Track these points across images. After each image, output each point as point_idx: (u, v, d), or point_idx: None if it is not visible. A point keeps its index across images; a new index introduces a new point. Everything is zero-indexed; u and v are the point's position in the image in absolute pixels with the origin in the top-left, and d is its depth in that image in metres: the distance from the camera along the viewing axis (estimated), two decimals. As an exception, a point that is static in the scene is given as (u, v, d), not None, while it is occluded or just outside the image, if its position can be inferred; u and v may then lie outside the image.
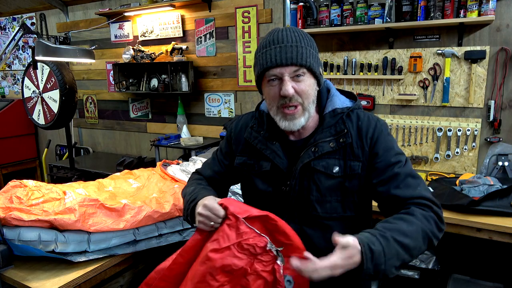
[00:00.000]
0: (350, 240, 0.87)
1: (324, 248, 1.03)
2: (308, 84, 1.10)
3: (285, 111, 1.11)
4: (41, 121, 3.04)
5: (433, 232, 1.00)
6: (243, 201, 1.32)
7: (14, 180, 1.62)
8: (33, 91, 3.04)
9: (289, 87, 1.07)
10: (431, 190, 2.15)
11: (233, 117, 3.23)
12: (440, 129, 2.45)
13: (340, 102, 1.19)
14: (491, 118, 2.28)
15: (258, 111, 1.27)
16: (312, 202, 1.13)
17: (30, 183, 1.62)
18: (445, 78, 2.38)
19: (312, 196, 1.13)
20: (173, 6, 3.25)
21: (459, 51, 2.32)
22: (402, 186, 1.08)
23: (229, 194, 1.92)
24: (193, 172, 1.44)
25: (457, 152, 2.42)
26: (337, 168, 1.12)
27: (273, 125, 1.19)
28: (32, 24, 4.34)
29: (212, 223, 1.07)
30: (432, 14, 2.24)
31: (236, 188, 1.96)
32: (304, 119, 1.12)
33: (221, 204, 1.07)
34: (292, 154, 1.17)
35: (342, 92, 1.26)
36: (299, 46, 1.08)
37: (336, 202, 1.14)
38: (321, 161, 1.12)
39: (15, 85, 4.74)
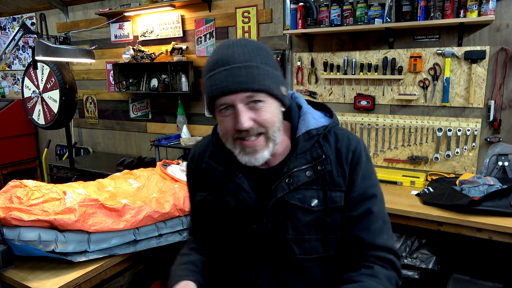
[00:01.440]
0: None
1: None
2: (270, 111, 0.90)
3: (244, 143, 0.92)
4: (41, 121, 3.04)
5: None
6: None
7: (14, 180, 1.62)
8: (33, 91, 3.04)
9: (244, 118, 0.87)
10: (431, 190, 2.15)
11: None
12: (440, 129, 2.45)
13: (314, 120, 1.01)
14: (491, 118, 2.28)
15: (216, 135, 1.06)
16: (289, 242, 0.96)
17: (30, 183, 1.62)
18: (445, 78, 2.38)
19: (288, 235, 0.96)
20: (173, 6, 3.25)
21: (459, 51, 2.32)
22: (372, 229, 0.97)
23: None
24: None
25: (457, 152, 2.42)
26: (315, 201, 0.96)
27: (232, 153, 0.98)
28: (32, 24, 4.34)
29: None
30: (432, 14, 2.24)
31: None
32: (268, 152, 0.93)
33: None
34: (261, 185, 0.99)
35: (315, 105, 1.08)
36: (250, 66, 0.87)
37: (316, 240, 0.97)
38: (296, 194, 0.95)
39: (15, 85, 4.74)
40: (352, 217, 0.98)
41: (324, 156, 0.97)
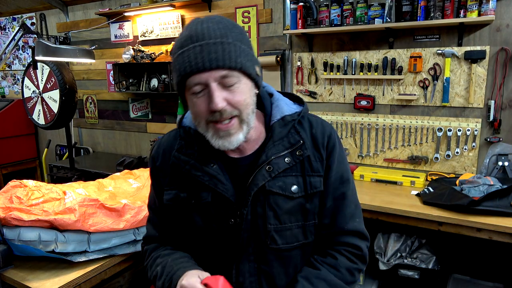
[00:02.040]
0: None
1: (285, 285, 0.97)
2: (244, 91, 0.86)
3: (217, 126, 0.87)
4: (41, 121, 3.04)
5: (353, 282, 0.98)
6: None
7: (14, 180, 1.62)
8: (33, 91, 3.04)
9: (218, 99, 0.83)
10: (431, 190, 2.15)
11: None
12: (440, 129, 2.45)
13: (287, 107, 0.99)
14: (491, 118, 2.28)
15: (183, 128, 1.00)
16: (270, 233, 0.93)
17: (30, 183, 1.62)
18: (445, 78, 2.38)
19: (269, 225, 0.93)
20: (173, 6, 3.25)
21: (459, 51, 2.32)
22: (346, 213, 0.99)
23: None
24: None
25: (457, 152, 2.42)
26: (296, 188, 0.94)
27: (205, 143, 0.93)
28: (32, 24, 4.33)
29: None
30: (432, 14, 2.24)
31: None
32: (243, 134, 0.89)
33: (205, 285, 0.86)
34: (236, 176, 0.95)
35: (284, 94, 1.06)
36: (225, 43, 0.83)
37: (296, 228, 0.96)
38: (276, 181, 0.93)
39: (15, 85, 4.74)
40: (329, 201, 0.98)
41: (302, 142, 0.95)
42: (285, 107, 0.99)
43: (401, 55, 2.50)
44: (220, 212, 0.94)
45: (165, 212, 1.04)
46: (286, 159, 0.94)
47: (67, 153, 3.88)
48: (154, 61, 3.40)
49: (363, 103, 2.64)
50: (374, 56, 2.59)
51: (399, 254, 2.35)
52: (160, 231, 1.08)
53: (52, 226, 1.47)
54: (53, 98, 2.89)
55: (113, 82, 3.67)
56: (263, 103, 1.00)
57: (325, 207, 0.99)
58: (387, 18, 2.36)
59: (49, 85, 2.91)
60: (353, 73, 2.66)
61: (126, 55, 3.42)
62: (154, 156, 1.05)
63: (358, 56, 2.64)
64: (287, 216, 0.94)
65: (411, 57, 2.45)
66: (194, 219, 0.96)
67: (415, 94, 2.48)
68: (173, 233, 1.06)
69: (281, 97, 1.02)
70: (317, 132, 0.98)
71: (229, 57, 0.83)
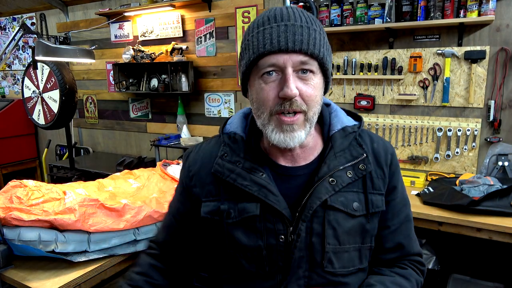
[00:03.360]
0: None
1: None
2: (317, 87, 0.80)
3: (282, 118, 0.79)
4: (41, 121, 3.04)
5: None
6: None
7: (14, 180, 1.62)
8: (33, 91, 3.04)
9: (293, 85, 0.75)
10: (432, 190, 2.15)
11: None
12: (440, 129, 2.45)
13: (346, 118, 0.92)
14: (491, 118, 2.28)
15: (227, 134, 0.91)
16: (328, 254, 0.83)
17: (30, 183, 1.62)
18: (445, 78, 2.38)
19: (328, 245, 0.83)
20: (173, 6, 3.25)
21: (459, 51, 2.32)
22: (411, 236, 0.93)
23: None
24: (149, 240, 1.07)
25: (457, 152, 2.42)
26: (357, 205, 0.85)
27: (253, 151, 0.87)
28: (32, 24, 4.33)
29: None
30: (432, 14, 2.24)
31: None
32: (305, 133, 0.81)
33: None
34: (287, 188, 0.85)
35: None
36: (312, 29, 0.77)
37: (354, 250, 0.86)
38: (338, 196, 0.83)
39: (15, 85, 4.74)
40: (394, 225, 0.91)
41: (365, 155, 0.87)
42: (344, 118, 0.92)
43: (401, 55, 2.50)
44: (269, 227, 0.83)
45: (193, 224, 0.94)
46: (348, 172, 0.85)
47: (67, 153, 3.88)
48: (154, 61, 3.40)
49: (363, 103, 2.64)
50: (374, 56, 2.59)
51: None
52: (164, 238, 1.00)
53: (52, 226, 1.47)
54: (53, 98, 2.89)
55: (113, 82, 3.67)
56: (321, 113, 0.90)
57: (389, 230, 0.91)
58: (387, 18, 2.36)
59: (49, 85, 2.91)
60: (353, 73, 2.65)
61: (126, 55, 3.42)
62: (190, 163, 0.94)
63: (358, 56, 2.64)
64: (346, 236, 0.85)
65: (411, 57, 2.45)
66: (235, 235, 0.85)
67: (415, 94, 2.48)
68: (188, 247, 0.98)
69: (339, 108, 0.95)
70: (379, 147, 0.91)
71: (314, 43, 0.76)
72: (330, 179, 0.83)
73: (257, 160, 0.86)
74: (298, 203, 0.84)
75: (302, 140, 0.81)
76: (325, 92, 0.87)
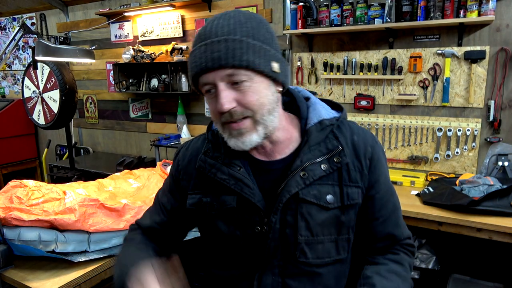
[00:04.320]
0: None
1: None
2: (258, 91, 0.81)
3: (230, 125, 0.83)
4: (41, 121, 3.04)
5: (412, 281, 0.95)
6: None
7: (14, 180, 1.62)
8: (33, 91, 3.04)
9: (224, 100, 0.79)
10: (431, 190, 2.15)
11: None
12: (440, 129, 2.45)
13: (325, 111, 0.93)
14: (491, 118, 2.28)
15: (211, 131, 0.96)
16: (300, 245, 0.86)
17: (30, 183, 1.62)
18: (445, 78, 2.38)
19: (300, 237, 0.86)
20: (173, 6, 3.25)
21: (459, 51, 2.32)
22: (400, 223, 0.97)
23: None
24: (131, 224, 1.12)
25: (457, 152, 2.42)
26: (331, 198, 0.87)
27: (231, 147, 0.90)
28: (32, 24, 4.33)
29: None
30: (432, 14, 2.24)
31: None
32: (258, 136, 0.83)
33: None
34: (264, 181, 0.89)
35: (322, 101, 0.99)
36: (230, 40, 0.78)
37: (329, 242, 0.89)
38: (311, 189, 0.86)
39: (15, 85, 4.74)
40: (382, 216, 0.94)
41: (340, 148, 0.88)
42: (322, 111, 0.93)
43: (401, 55, 2.50)
44: (245, 218, 0.88)
45: (181, 214, 1.01)
46: (322, 165, 0.87)
47: (67, 153, 3.88)
48: (154, 61, 3.40)
49: (363, 103, 2.64)
50: (374, 56, 2.59)
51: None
52: (149, 224, 1.05)
53: (52, 226, 1.47)
54: (53, 98, 2.89)
55: (113, 82, 3.67)
56: (299, 106, 0.94)
57: (378, 221, 0.94)
58: (387, 18, 2.36)
59: (49, 85, 2.91)
60: (353, 73, 2.65)
61: (126, 55, 3.42)
62: (180, 158, 1.02)
63: (358, 56, 2.64)
64: (320, 228, 0.87)
65: (411, 57, 2.45)
66: (217, 225, 0.91)
67: (415, 94, 2.48)
68: (174, 234, 1.06)
69: (318, 101, 0.97)
70: (359, 140, 0.92)
71: (233, 55, 0.77)
72: (301, 173, 0.86)
73: (236, 156, 0.90)
74: (273, 196, 0.88)
75: (255, 142, 0.84)
76: (284, 87, 0.88)
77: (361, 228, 0.95)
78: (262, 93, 0.82)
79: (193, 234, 1.59)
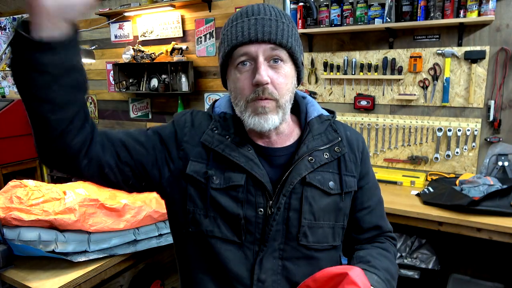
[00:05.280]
0: None
1: None
2: (287, 75, 0.86)
3: (258, 102, 0.84)
4: (41, 121, 3.04)
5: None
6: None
7: (14, 180, 1.62)
8: (33, 91, 3.04)
9: (264, 72, 0.81)
10: (431, 190, 2.15)
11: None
12: (440, 129, 2.45)
13: (321, 110, 1.01)
14: (491, 118, 2.28)
15: (217, 115, 0.95)
16: (303, 228, 0.89)
17: (30, 183, 1.62)
18: (445, 78, 2.38)
19: (304, 220, 0.89)
20: (173, 6, 3.25)
21: (459, 51, 2.32)
22: (383, 215, 1.04)
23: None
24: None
25: (457, 152, 2.42)
26: (333, 184, 0.92)
27: (242, 129, 0.92)
28: (32, 24, 4.33)
29: None
30: (432, 14, 2.24)
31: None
32: (278, 119, 0.86)
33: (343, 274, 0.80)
34: (267, 166, 0.91)
35: None
36: (280, 21, 0.84)
37: (328, 227, 0.93)
38: (316, 174, 0.90)
39: (15, 85, 4.74)
40: (370, 206, 1.00)
41: (340, 139, 0.95)
42: (320, 108, 1.01)
43: (401, 55, 2.50)
44: (250, 199, 0.87)
45: (184, 178, 0.89)
46: (324, 153, 0.92)
47: (67, 153, 3.88)
48: (154, 61, 3.40)
49: (363, 103, 2.64)
50: (374, 56, 2.59)
51: (399, 254, 2.36)
52: (122, 137, 0.88)
53: (52, 226, 1.47)
54: (53, 98, 2.89)
55: (113, 82, 3.67)
56: (298, 103, 0.99)
57: (366, 211, 1.00)
58: (387, 18, 2.36)
59: (49, 85, 2.90)
60: (353, 73, 2.66)
61: (126, 55, 3.42)
62: (187, 120, 0.94)
63: (358, 56, 2.64)
64: (322, 213, 0.91)
65: (411, 57, 2.45)
66: (219, 200, 0.87)
67: (415, 94, 2.48)
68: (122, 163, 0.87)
69: (314, 100, 1.04)
70: (352, 135, 0.99)
71: (282, 34, 0.83)
72: (309, 158, 0.90)
73: (244, 138, 0.91)
74: (278, 180, 0.89)
75: (276, 124, 0.86)
76: (298, 83, 0.94)
77: (350, 220, 1.00)
78: (289, 80, 0.87)
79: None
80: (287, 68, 0.86)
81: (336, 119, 1.02)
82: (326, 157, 0.92)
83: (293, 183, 0.87)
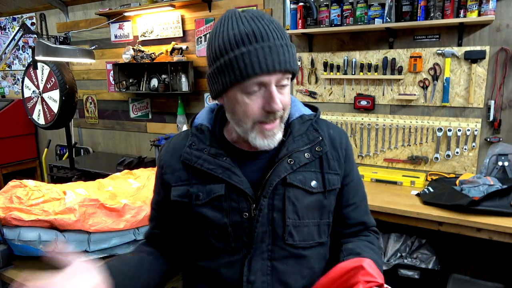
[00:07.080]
0: None
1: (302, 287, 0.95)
2: (289, 93, 0.90)
3: (264, 126, 0.87)
4: (41, 121, 3.04)
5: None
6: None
7: (14, 180, 1.62)
8: (33, 91, 3.04)
9: (278, 100, 0.84)
10: (431, 190, 2.15)
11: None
12: (440, 129, 2.45)
13: (304, 108, 1.03)
14: (491, 118, 2.28)
15: (195, 127, 1.01)
16: (288, 227, 0.92)
17: (30, 183, 1.62)
18: (445, 78, 2.38)
19: (288, 219, 0.92)
20: (173, 6, 3.25)
21: (459, 51, 2.32)
22: (368, 211, 1.07)
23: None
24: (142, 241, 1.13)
25: (457, 152, 2.42)
26: (315, 183, 0.94)
27: (217, 140, 0.97)
28: (32, 24, 4.33)
29: None
30: (432, 14, 2.24)
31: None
32: (281, 132, 0.91)
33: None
34: (250, 170, 0.95)
35: None
36: (289, 45, 0.85)
37: (313, 225, 0.96)
38: (297, 175, 0.93)
39: (15, 85, 4.74)
40: (355, 203, 1.03)
41: (321, 138, 0.97)
42: (302, 108, 1.02)
43: (401, 55, 2.50)
44: (233, 206, 0.92)
45: (170, 210, 1.01)
46: (305, 154, 0.94)
47: (67, 153, 3.87)
48: (154, 61, 3.40)
49: (363, 103, 2.64)
50: (374, 56, 2.59)
51: (399, 254, 2.36)
52: (149, 232, 1.08)
53: (52, 226, 1.47)
54: (53, 98, 2.89)
55: (113, 82, 3.67)
56: None
57: (351, 207, 1.03)
58: (387, 18, 2.36)
59: (49, 85, 2.91)
60: (353, 73, 2.66)
61: (126, 55, 3.42)
62: (162, 155, 1.03)
63: (358, 56, 2.64)
64: (306, 211, 0.94)
65: (411, 57, 2.45)
66: (205, 214, 0.93)
67: (415, 94, 2.48)
68: (174, 232, 1.04)
69: (297, 100, 1.05)
70: (335, 133, 1.02)
71: (292, 61, 0.85)
72: (288, 159, 0.93)
73: (221, 148, 0.95)
74: (260, 182, 0.93)
75: (280, 138, 0.91)
76: None
77: (335, 216, 1.03)
78: (289, 94, 0.91)
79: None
80: (288, 86, 0.89)
81: (319, 116, 1.04)
82: (307, 157, 0.94)
83: (273, 185, 0.90)
